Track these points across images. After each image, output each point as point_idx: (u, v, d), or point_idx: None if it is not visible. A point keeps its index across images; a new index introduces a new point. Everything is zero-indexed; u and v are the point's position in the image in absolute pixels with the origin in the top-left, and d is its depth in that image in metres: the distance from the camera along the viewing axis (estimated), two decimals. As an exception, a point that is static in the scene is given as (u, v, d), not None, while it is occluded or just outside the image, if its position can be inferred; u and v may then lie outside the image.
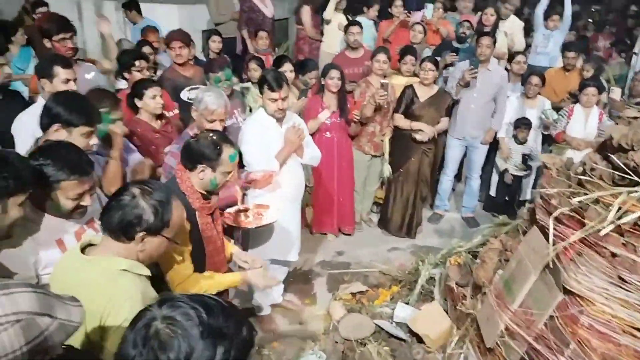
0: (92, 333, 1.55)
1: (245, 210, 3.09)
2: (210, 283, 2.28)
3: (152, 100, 3.29)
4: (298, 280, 4.27)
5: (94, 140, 2.41)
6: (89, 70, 3.89)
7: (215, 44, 5.41)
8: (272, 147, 3.26)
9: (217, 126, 2.88)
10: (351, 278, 4.30)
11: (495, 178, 5.36)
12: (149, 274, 1.72)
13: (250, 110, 4.30)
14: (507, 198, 5.30)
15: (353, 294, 3.95)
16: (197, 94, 2.97)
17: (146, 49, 4.61)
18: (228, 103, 3.01)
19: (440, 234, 5.16)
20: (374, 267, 4.41)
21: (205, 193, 2.35)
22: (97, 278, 1.58)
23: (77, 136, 2.30)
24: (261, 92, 3.29)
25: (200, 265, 2.34)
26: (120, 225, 1.62)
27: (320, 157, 3.65)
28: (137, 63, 3.84)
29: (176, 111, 3.96)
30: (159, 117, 3.42)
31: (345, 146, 4.66)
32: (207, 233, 2.38)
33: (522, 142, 5.04)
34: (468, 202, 5.36)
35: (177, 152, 2.80)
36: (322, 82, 4.38)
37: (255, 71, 4.68)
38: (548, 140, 5.20)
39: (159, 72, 4.64)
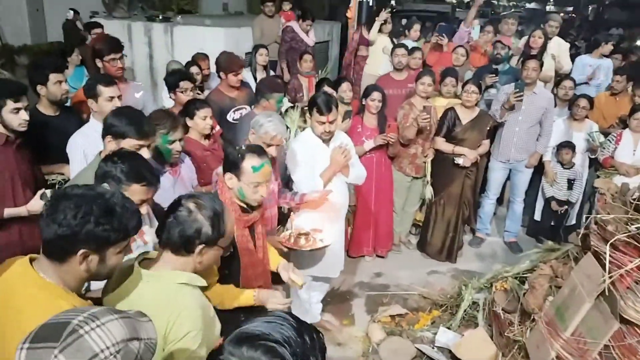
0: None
1: (306, 234, 3.12)
2: (223, 298, 2.23)
3: (202, 121, 3.38)
4: (336, 300, 4.24)
5: (146, 154, 2.47)
6: (138, 89, 4.03)
7: (263, 57, 5.51)
8: (318, 166, 3.30)
9: (273, 151, 2.92)
10: (390, 300, 4.24)
11: (540, 203, 5.23)
12: (205, 284, 1.74)
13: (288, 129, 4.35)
14: (553, 223, 5.16)
15: (392, 317, 3.90)
16: (257, 119, 3.02)
17: (194, 69, 4.74)
18: (285, 130, 3.08)
19: (481, 259, 5.05)
20: (414, 290, 4.34)
21: (244, 206, 2.38)
22: (158, 293, 1.60)
23: (127, 148, 2.36)
24: (310, 114, 3.36)
25: (234, 276, 2.36)
26: (181, 240, 1.65)
27: (365, 176, 3.65)
28: (181, 84, 3.93)
29: (218, 128, 4.04)
30: (207, 136, 3.50)
31: (384, 166, 4.65)
32: (242, 245, 2.38)
33: (567, 166, 4.91)
34: (511, 227, 5.24)
35: None
36: (363, 103, 4.41)
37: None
38: (595, 165, 5.06)
39: (205, 92, 4.76)
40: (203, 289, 1.75)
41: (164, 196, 2.90)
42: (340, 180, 3.45)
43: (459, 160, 4.58)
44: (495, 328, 2.97)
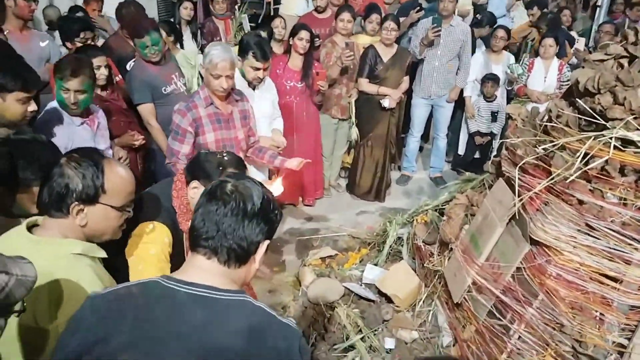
0: (40, 317, 1.39)
1: None
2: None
3: (96, 71, 3.06)
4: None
5: (32, 107, 2.22)
6: (43, 38, 3.78)
7: (187, 10, 5.13)
8: None
9: (223, 83, 2.70)
10: (320, 244, 4.22)
11: (463, 137, 5.32)
12: (105, 255, 1.56)
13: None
14: (477, 156, 5.27)
15: (322, 259, 3.88)
16: (206, 49, 2.78)
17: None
18: (233, 58, 2.80)
19: (408, 195, 5.11)
20: (343, 231, 4.35)
21: None
22: (50, 263, 1.40)
23: (12, 102, 2.12)
24: (241, 56, 3.16)
25: None
26: (50, 199, 1.47)
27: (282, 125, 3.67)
28: (82, 34, 3.61)
29: (119, 78, 3.73)
30: (104, 87, 3.22)
31: (308, 111, 4.50)
32: None
33: (490, 99, 4.98)
34: (435, 162, 5.32)
35: (185, 110, 2.73)
36: (290, 42, 4.19)
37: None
38: (512, 97, 5.17)
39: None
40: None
41: None
42: (268, 126, 3.39)
43: (385, 103, 4.52)
44: (417, 260, 3.01)
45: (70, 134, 2.69)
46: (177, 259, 1.89)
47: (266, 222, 1.25)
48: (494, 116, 5.04)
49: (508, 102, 5.15)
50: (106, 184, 1.51)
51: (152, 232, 1.86)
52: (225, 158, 1.97)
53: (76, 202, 1.48)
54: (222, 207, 1.20)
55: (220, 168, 1.91)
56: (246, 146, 3.01)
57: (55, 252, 1.44)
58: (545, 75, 4.68)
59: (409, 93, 5.02)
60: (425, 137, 5.68)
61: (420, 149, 5.71)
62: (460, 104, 5.13)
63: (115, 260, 1.65)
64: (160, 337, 1.12)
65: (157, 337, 1.12)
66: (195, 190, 1.91)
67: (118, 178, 1.56)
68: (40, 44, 3.75)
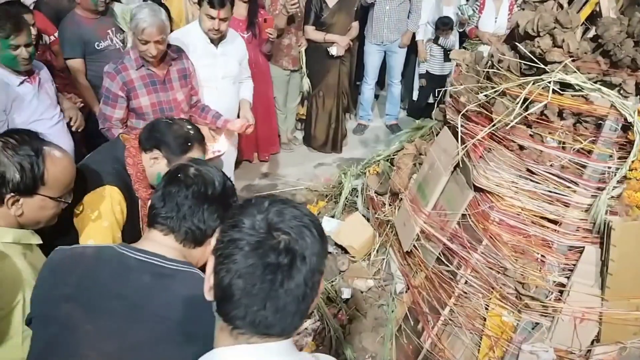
0: None
1: None
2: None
3: None
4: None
5: None
6: None
7: None
8: (202, 71, 2.99)
9: (152, 50, 2.52)
10: (278, 199, 4.20)
11: (417, 82, 5.27)
12: (40, 241, 1.48)
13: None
14: (431, 102, 5.25)
15: (280, 215, 3.87)
16: (133, 12, 2.59)
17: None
18: (163, 22, 2.58)
19: (365, 145, 5.10)
20: (301, 185, 4.33)
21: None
22: None
23: None
24: (199, 4, 2.96)
25: None
26: None
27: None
28: None
29: (55, 36, 3.49)
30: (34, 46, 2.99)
31: (257, 62, 4.35)
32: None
33: (441, 43, 4.91)
34: (391, 110, 5.29)
35: (115, 73, 2.55)
36: None
37: None
38: (464, 39, 5.12)
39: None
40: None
41: (28, 109, 2.55)
42: (229, 86, 3.23)
43: (332, 51, 4.41)
44: (371, 211, 3.02)
45: (10, 94, 2.51)
46: (130, 225, 1.85)
47: (225, 208, 1.28)
48: (447, 55, 4.96)
49: (461, 44, 5.11)
50: (45, 175, 1.42)
51: (102, 201, 1.76)
52: (191, 132, 1.87)
53: (12, 194, 1.38)
54: (183, 190, 1.25)
55: (188, 144, 1.84)
56: (188, 107, 2.87)
57: None
58: (496, 16, 4.64)
59: (360, 39, 4.91)
60: (381, 84, 5.62)
61: (377, 97, 5.66)
62: (413, 48, 5.06)
63: (62, 242, 1.57)
64: (102, 294, 1.16)
65: (99, 293, 1.16)
66: (156, 161, 1.84)
67: (58, 168, 1.46)
68: None
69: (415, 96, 5.36)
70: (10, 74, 2.51)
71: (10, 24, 2.41)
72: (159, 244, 1.25)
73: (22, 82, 2.56)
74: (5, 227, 1.40)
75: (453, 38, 4.97)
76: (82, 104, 3.24)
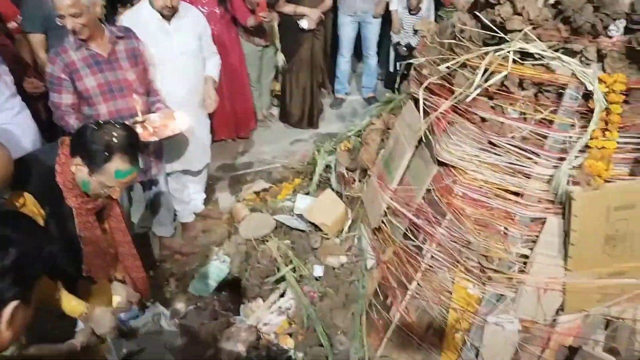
0: None
1: (143, 121, 2.67)
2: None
3: None
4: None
5: None
6: None
7: None
8: (156, 52, 2.86)
9: (68, 23, 2.37)
10: (254, 177, 4.16)
11: (393, 53, 5.20)
12: None
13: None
14: (406, 73, 5.18)
15: (257, 193, 3.83)
16: None
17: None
18: None
19: (343, 119, 5.06)
20: (276, 162, 4.29)
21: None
22: None
23: None
24: None
25: (75, 264, 1.92)
26: None
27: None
28: None
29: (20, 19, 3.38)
30: None
31: (230, 39, 4.25)
32: (85, 233, 1.89)
33: (414, 12, 4.82)
34: (368, 82, 5.23)
35: (55, 56, 2.47)
36: None
37: None
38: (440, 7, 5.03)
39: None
40: None
41: None
42: (193, 64, 3.12)
43: (303, 24, 4.32)
44: (343, 187, 3.00)
45: None
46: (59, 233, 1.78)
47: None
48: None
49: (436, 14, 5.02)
50: None
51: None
52: (115, 140, 1.71)
53: None
54: None
55: (106, 153, 1.70)
56: (142, 89, 2.74)
57: None
58: (468, -17, 4.54)
59: (334, 11, 4.81)
60: (358, 56, 5.53)
61: (353, 71, 5.58)
62: (388, 18, 4.97)
63: None
64: None
65: None
66: (78, 168, 1.73)
67: None
68: None
69: (391, 68, 5.29)
70: None
71: None
72: None
73: None
74: None
75: (425, 11, 4.86)
76: (45, 89, 3.15)
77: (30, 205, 1.69)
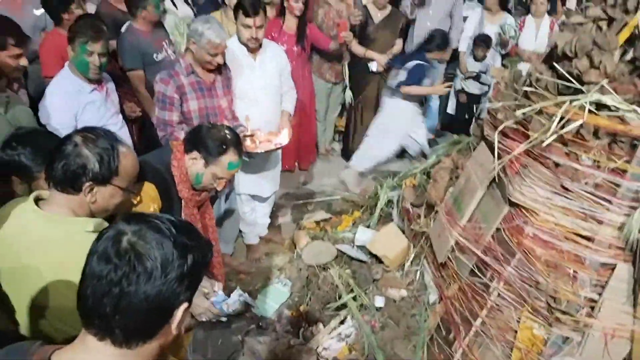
0: (53, 296, 1.44)
1: (251, 135, 2.99)
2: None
3: None
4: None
5: (24, 62, 2.43)
6: (37, 7, 3.69)
7: None
8: (242, 82, 3.14)
9: (220, 59, 2.76)
10: (315, 207, 4.31)
11: (453, 97, 5.32)
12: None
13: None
14: (467, 116, 5.29)
15: (317, 222, 3.98)
16: (195, 27, 2.75)
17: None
18: (227, 35, 2.82)
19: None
20: (337, 195, 4.44)
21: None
22: (64, 239, 1.46)
23: (5, 57, 2.35)
24: (235, 17, 3.11)
25: None
26: (65, 176, 1.52)
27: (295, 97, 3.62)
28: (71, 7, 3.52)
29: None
30: None
31: (304, 75, 4.49)
32: None
33: (480, 60, 4.96)
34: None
35: (168, 78, 2.74)
36: (285, 5, 4.07)
37: None
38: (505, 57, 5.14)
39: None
40: None
41: (96, 116, 2.77)
42: (274, 97, 3.34)
43: (372, 67, 4.52)
44: (406, 222, 3.10)
45: (81, 101, 2.74)
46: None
47: (180, 280, 0.98)
48: (477, 76, 4.99)
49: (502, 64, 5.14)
50: (119, 167, 1.59)
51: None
52: (228, 136, 2.09)
53: (90, 182, 1.54)
54: (112, 273, 0.94)
55: (224, 146, 2.06)
56: (231, 115, 3.01)
57: (69, 230, 1.50)
58: (536, 34, 4.66)
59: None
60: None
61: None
62: (449, 64, 5.12)
63: None
64: None
65: None
66: (194, 161, 2.06)
67: (129, 161, 1.64)
68: (35, 12, 3.67)
69: (450, 110, 5.39)
70: (83, 82, 2.73)
71: (91, 31, 2.64)
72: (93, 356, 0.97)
73: (92, 90, 2.78)
74: (84, 216, 1.56)
75: (490, 59, 4.97)
76: (140, 114, 3.46)
77: (147, 198, 1.93)
